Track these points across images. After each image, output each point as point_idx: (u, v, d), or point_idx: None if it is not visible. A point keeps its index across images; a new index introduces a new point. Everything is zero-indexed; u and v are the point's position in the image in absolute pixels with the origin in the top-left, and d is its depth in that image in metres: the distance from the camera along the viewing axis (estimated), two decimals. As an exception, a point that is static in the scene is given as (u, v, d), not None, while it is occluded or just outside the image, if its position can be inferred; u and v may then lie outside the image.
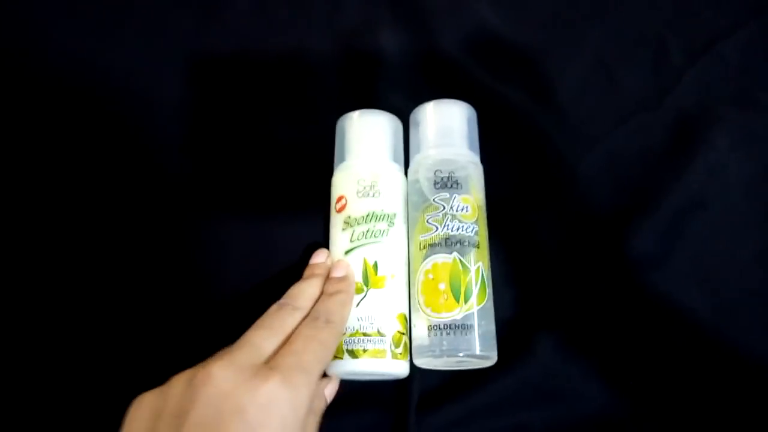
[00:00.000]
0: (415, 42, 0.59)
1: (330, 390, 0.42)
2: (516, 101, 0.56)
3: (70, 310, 0.48)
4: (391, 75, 0.57)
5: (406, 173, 0.48)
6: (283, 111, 0.56)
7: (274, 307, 0.40)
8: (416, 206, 0.46)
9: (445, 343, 0.41)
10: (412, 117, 0.49)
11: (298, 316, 0.40)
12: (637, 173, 0.53)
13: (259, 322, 0.39)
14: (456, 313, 0.42)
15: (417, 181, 0.46)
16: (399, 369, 0.43)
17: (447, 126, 0.47)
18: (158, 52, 0.57)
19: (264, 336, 0.37)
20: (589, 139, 0.55)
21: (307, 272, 0.45)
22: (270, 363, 0.35)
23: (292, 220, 0.51)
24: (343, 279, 0.44)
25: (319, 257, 0.46)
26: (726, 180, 0.53)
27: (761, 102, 0.56)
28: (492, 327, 0.43)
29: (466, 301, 0.42)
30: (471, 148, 0.47)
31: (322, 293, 0.43)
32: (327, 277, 0.44)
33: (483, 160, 0.48)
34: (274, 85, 0.56)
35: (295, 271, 0.46)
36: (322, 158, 0.50)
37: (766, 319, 0.48)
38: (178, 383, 0.35)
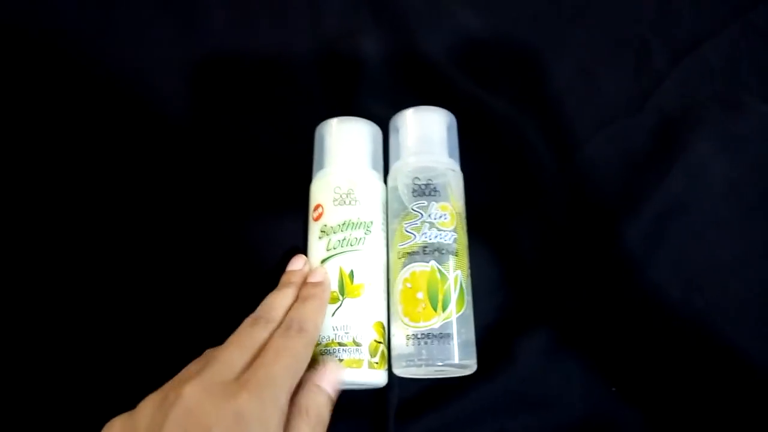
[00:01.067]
0: (397, 48, 0.58)
1: (328, 380, 0.40)
2: (498, 106, 0.55)
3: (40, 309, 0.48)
4: (373, 81, 0.56)
5: (386, 180, 0.48)
6: (264, 118, 0.55)
7: (247, 321, 0.40)
8: (395, 214, 0.45)
9: (423, 352, 0.41)
10: (391, 123, 0.49)
11: (270, 329, 0.39)
12: (619, 177, 0.53)
13: (231, 338, 0.38)
14: (434, 322, 0.41)
15: (396, 188, 0.46)
16: (376, 378, 0.43)
17: (426, 133, 0.47)
18: (138, 60, 0.57)
19: (234, 352, 0.37)
20: (572, 143, 0.55)
21: (283, 280, 0.45)
22: (240, 378, 0.35)
23: (273, 228, 0.51)
24: (318, 284, 0.43)
25: (296, 264, 0.45)
26: (708, 183, 0.52)
27: (743, 104, 0.56)
28: (471, 335, 0.43)
29: (444, 310, 0.41)
30: (450, 155, 0.47)
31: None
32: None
33: (465, 166, 0.48)
34: (255, 92, 0.56)
35: (273, 278, 0.45)
36: (303, 165, 0.50)
37: (749, 320, 0.48)
38: (148, 406, 0.34)
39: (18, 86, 0.55)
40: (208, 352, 0.38)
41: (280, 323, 0.40)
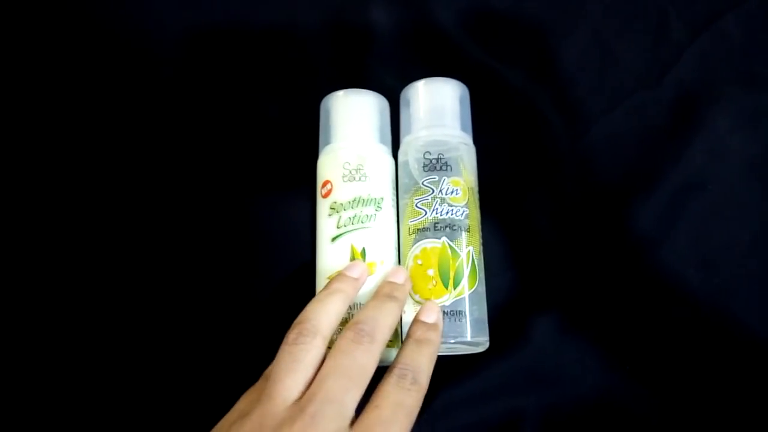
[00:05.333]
0: (408, 17, 0.57)
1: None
2: (512, 79, 0.54)
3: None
4: (383, 51, 0.55)
5: (395, 154, 0.47)
6: (271, 88, 0.54)
7: (347, 340, 0.35)
8: (406, 189, 0.44)
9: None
10: (402, 95, 0.48)
11: (376, 354, 0.36)
12: (636, 152, 0.52)
13: (336, 363, 0.34)
14: (445, 299, 0.41)
15: (407, 163, 0.45)
16: (389, 356, 0.42)
17: (438, 105, 0.46)
18: (143, 31, 0.56)
19: (345, 387, 0.33)
20: (588, 117, 0.53)
21: (384, 290, 0.40)
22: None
23: (281, 204, 0.50)
24: (434, 327, 0.39)
25: (399, 276, 0.41)
26: (726, 159, 0.52)
27: (764, 79, 0.54)
28: (484, 312, 0.42)
29: (455, 287, 0.41)
30: (462, 127, 0.46)
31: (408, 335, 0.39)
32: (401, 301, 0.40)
33: (479, 140, 0.47)
34: (263, 62, 0.55)
35: (278, 257, 0.45)
36: (312, 139, 0.48)
37: (765, 300, 0.48)
38: None
39: (19, 60, 0.54)
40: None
41: (384, 346, 0.37)
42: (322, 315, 0.36)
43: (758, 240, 0.49)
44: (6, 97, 0.53)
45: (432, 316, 0.40)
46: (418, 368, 0.36)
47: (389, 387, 0.35)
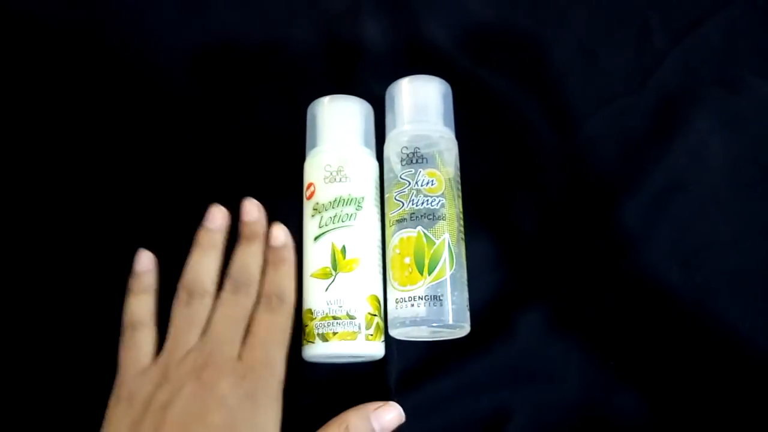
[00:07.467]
0: (398, 30, 0.58)
1: (383, 421, 0.42)
2: (500, 86, 0.55)
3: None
4: (374, 64, 0.56)
5: (381, 157, 0.48)
6: (264, 100, 0.55)
7: (228, 293, 0.42)
8: (389, 183, 0.46)
9: (410, 314, 0.42)
10: (387, 93, 0.49)
11: (253, 295, 0.42)
12: (619, 155, 0.53)
13: (223, 313, 0.41)
14: (419, 286, 0.42)
15: (389, 159, 0.46)
16: (371, 350, 0.43)
17: (417, 102, 0.47)
18: (139, 43, 0.57)
19: (232, 329, 0.41)
20: (573, 121, 0.54)
21: (245, 232, 0.45)
22: (243, 359, 0.39)
23: (271, 208, 0.50)
24: (284, 247, 0.44)
25: (253, 213, 0.45)
26: (707, 162, 0.52)
27: (744, 82, 0.55)
28: (465, 298, 0.43)
29: (430, 273, 0.42)
30: (441, 122, 0.47)
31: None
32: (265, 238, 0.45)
33: (465, 144, 0.48)
34: (255, 74, 0.56)
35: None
36: (302, 146, 0.50)
37: (746, 299, 0.48)
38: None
39: (20, 67, 0.55)
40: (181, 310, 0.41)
41: (258, 285, 0.43)
42: (204, 275, 0.43)
43: (738, 239, 0.50)
44: (8, 104, 0.54)
45: (281, 238, 0.44)
46: (280, 288, 0.43)
47: (260, 314, 0.41)
